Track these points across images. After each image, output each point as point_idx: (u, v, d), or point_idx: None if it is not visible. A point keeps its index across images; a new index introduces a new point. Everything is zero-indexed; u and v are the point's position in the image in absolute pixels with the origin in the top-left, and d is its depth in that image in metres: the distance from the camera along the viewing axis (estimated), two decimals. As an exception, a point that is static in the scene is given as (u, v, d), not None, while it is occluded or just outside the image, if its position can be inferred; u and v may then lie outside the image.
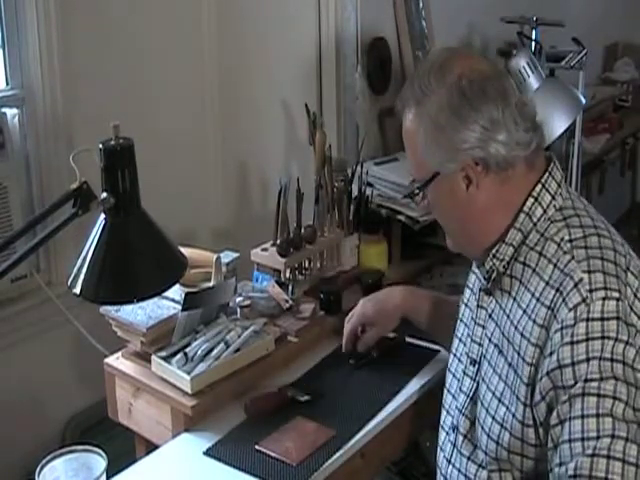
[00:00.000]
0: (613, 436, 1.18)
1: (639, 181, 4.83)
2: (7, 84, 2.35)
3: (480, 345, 1.48)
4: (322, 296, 2.04)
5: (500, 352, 1.40)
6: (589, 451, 1.18)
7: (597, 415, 1.19)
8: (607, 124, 4.08)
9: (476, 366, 1.48)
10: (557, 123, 2.19)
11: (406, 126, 1.42)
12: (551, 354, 1.26)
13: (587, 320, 1.23)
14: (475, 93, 1.33)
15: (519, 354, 1.33)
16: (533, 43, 2.58)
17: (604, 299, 1.23)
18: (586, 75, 2.61)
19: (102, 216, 1.28)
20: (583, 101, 2.41)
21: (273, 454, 1.58)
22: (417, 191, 1.44)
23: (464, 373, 1.52)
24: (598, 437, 1.18)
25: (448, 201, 1.41)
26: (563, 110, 2.24)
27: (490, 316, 1.45)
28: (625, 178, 4.67)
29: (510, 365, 1.36)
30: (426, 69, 1.39)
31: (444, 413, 1.57)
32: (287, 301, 1.98)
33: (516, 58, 2.25)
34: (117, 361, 1.83)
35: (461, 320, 1.58)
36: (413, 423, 1.83)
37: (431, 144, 1.37)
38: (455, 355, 1.57)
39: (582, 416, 1.21)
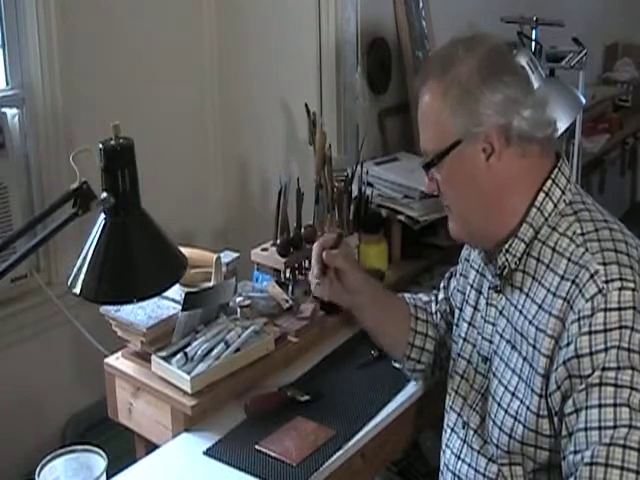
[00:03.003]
0: (630, 426, 1.19)
1: (639, 181, 4.84)
2: (7, 84, 2.35)
3: (490, 342, 1.49)
4: (322, 296, 2.04)
5: (513, 347, 1.41)
6: (606, 440, 1.20)
7: (614, 405, 1.21)
8: (607, 124, 4.09)
9: (487, 363, 1.49)
10: (557, 123, 2.19)
11: (425, 97, 1.41)
12: (568, 344, 1.27)
13: (605, 310, 1.24)
14: (504, 65, 1.37)
15: (535, 347, 1.34)
16: (533, 43, 2.57)
17: (620, 289, 1.25)
18: (586, 75, 2.61)
19: (102, 216, 1.28)
20: (583, 101, 2.41)
21: (273, 454, 1.58)
22: (434, 161, 1.40)
23: (475, 371, 1.52)
24: (615, 426, 1.20)
25: (465, 173, 1.39)
26: (563, 110, 2.24)
27: (501, 313, 1.46)
28: (625, 178, 4.68)
29: (525, 359, 1.37)
30: (453, 44, 1.41)
31: (450, 413, 1.57)
32: (287, 301, 1.98)
33: (516, 58, 2.24)
34: (117, 361, 1.84)
35: (465, 320, 1.58)
36: (413, 423, 1.83)
37: (457, 109, 1.36)
38: (461, 356, 1.57)
39: (599, 405, 1.22)
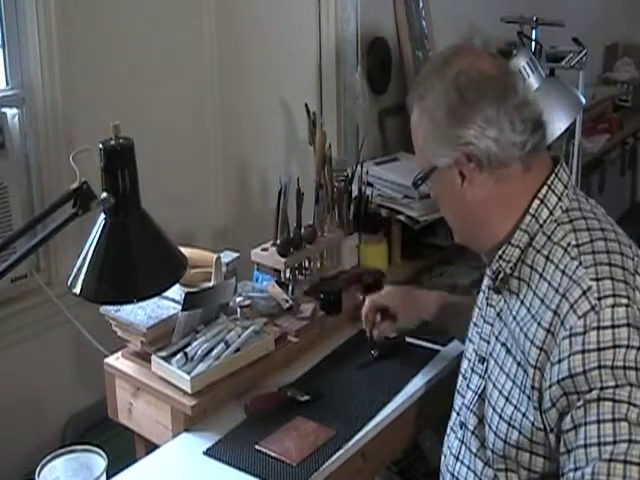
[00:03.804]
0: (630, 441, 1.18)
1: (639, 181, 4.84)
2: (7, 84, 2.35)
3: (488, 343, 1.48)
4: (322, 296, 2.04)
5: (508, 351, 1.40)
6: (606, 456, 1.19)
7: (613, 420, 1.20)
8: (607, 124, 4.08)
9: (484, 364, 1.48)
10: (557, 123, 2.19)
11: (412, 120, 1.46)
12: (560, 361, 1.25)
13: (598, 329, 1.22)
14: (471, 91, 1.35)
15: (524, 354, 1.33)
16: (533, 43, 2.58)
17: (613, 306, 1.23)
18: (586, 75, 2.61)
19: (102, 216, 1.28)
20: (583, 101, 2.41)
21: (273, 454, 1.58)
22: (419, 182, 1.46)
23: (472, 371, 1.52)
24: (615, 442, 1.19)
25: (447, 195, 1.45)
26: (563, 110, 2.24)
27: (498, 315, 1.46)
28: (625, 178, 4.67)
29: (519, 364, 1.36)
30: (430, 66, 1.44)
31: (453, 414, 1.57)
32: (287, 301, 1.98)
33: (516, 58, 2.24)
34: (117, 361, 1.84)
35: (472, 321, 1.58)
36: (413, 423, 1.83)
37: (429, 138, 1.41)
38: (465, 355, 1.58)
39: (598, 421, 1.21)
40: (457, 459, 1.52)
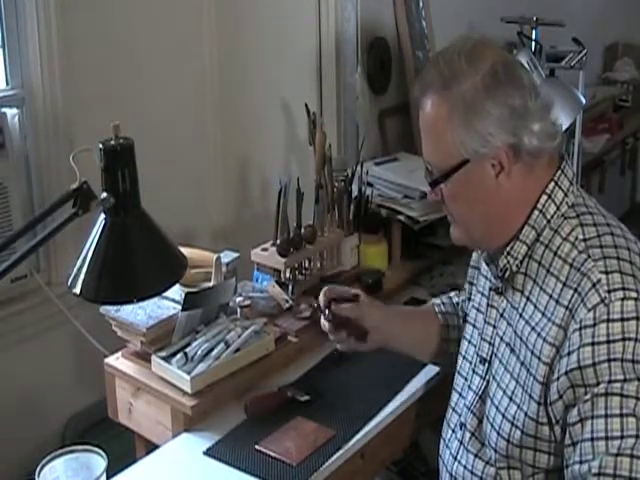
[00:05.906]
0: (637, 436, 1.19)
1: (639, 181, 4.84)
2: (7, 84, 2.35)
3: (491, 344, 1.48)
4: (322, 296, 2.03)
5: (512, 351, 1.40)
6: (613, 450, 1.20)
7: (621, 415, 1.21)
8: (607, 124, 4.09)
9: (486, 365, 1.48)
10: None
11: (428, 112, 1.36)
12: (569, 354, 1.26)
13: (607, 321, 1.23)
14: (509, 78, 1.33)
15: (533, 353, 1.33)
16: (533, 43, 2.58)
17: (623, 299, 1.24)
18: (586, 75, 2.61)
19: (102, 216, 1.28)
20: (583, 101, 2.41)
21: (273, 454, 1.58)
22: (440, 180, 1.38)
23: (473, 372, 1.52)
24: (622, 437, 1.20)
25: (473, 190, 1.37)
26: (563, 110, 2.24)
27: (502, 315, 1.45)
28: (625, 178, 4.68)
29: (522, 364, 1.36)
30: (454, 53, 1.35)
31: (450, 412, 1.58)
32: (287, 301, 1.98)
33: (516, 58, 2.25)
34: (117, 361, 1.84)
35: (470, 323, 1.58)
36: (413, 423, 1.83)
37: (464, 129, 1.32)
38: (464, 356, 1.57)
39: (606, 415, 1.22)
40: (455, 459, 1.52)
